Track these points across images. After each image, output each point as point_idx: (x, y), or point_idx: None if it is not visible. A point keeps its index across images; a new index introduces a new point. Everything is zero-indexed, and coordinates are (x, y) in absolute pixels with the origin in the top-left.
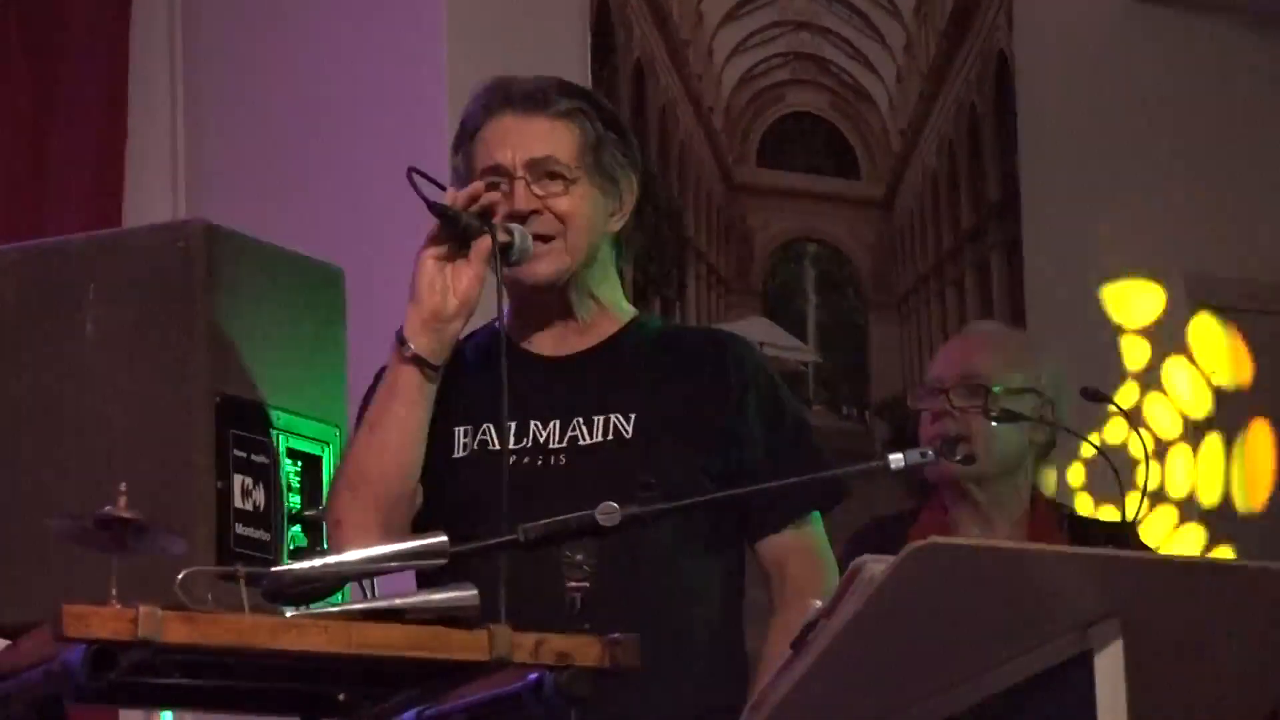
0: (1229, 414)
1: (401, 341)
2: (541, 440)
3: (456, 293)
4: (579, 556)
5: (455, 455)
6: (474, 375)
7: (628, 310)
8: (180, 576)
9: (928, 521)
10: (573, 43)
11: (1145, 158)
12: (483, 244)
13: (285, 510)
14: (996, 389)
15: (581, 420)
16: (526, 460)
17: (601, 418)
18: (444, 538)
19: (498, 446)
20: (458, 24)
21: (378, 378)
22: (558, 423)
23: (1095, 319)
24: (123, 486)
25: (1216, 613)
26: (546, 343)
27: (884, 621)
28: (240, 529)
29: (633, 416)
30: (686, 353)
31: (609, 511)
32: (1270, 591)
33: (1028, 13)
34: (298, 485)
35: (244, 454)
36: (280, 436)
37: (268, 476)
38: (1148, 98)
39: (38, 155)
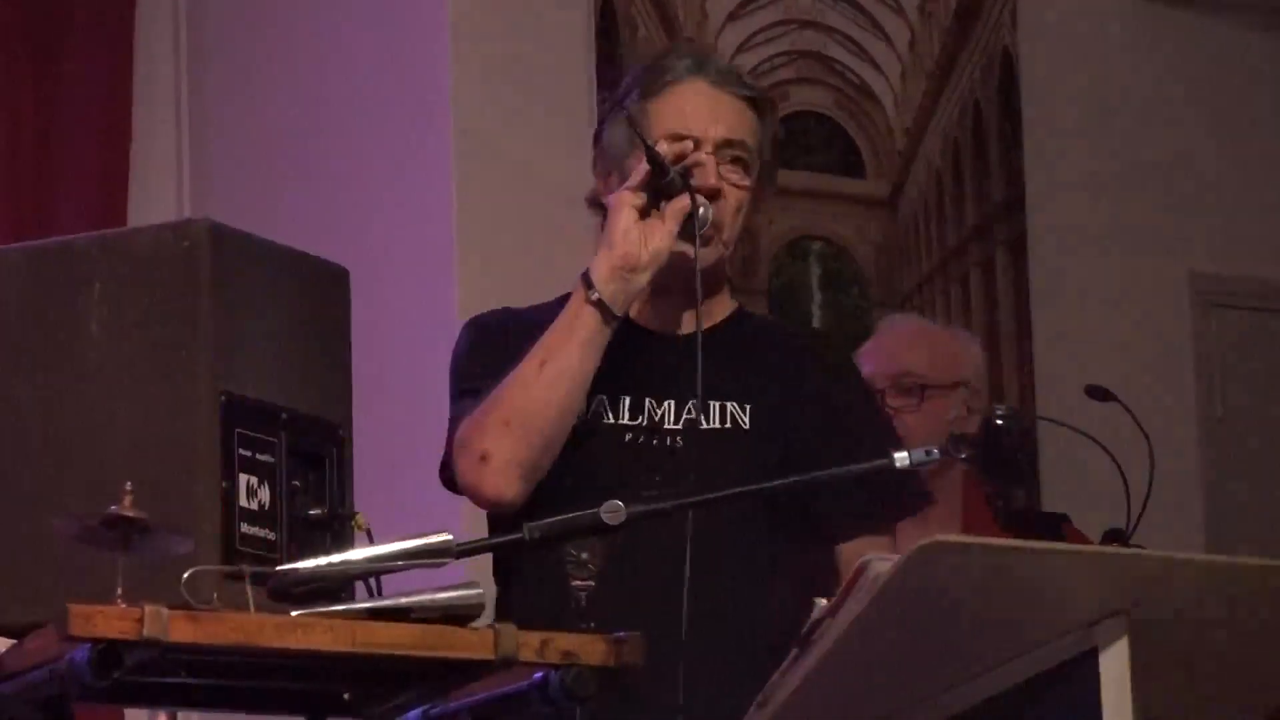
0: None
1: (588, 285)
2: (656, 419)
3: (649, 246)
4: (584, 555)
5: None
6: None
7: (732, 300)
8: (185, 576)
9: None
10: (577, 40)
11: (1150, 155)
12: (679, 204)
13: (290, 509)
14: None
15: (697, 404)
16: (641, 440)
17: (718, 404)
18: (449, 536)
19: (612, 419)
20: (462, 22)
21: (475, 329)
22: (672, 403)
23: (1100, 316)
24: (128, 486)
25: (1222, 611)
26: (664, 319)
27: (889, 620)
28: (245, 528)
29: (748, 408)
30: (795, 349)
31: (614, 510)
32: (1275, 588)
33: (1032, 10)
34: (302, 484)
35: (249, 453)
36: (286, 435)
37: (273, 475)
38: (1152, 95)
39: (42, 155)
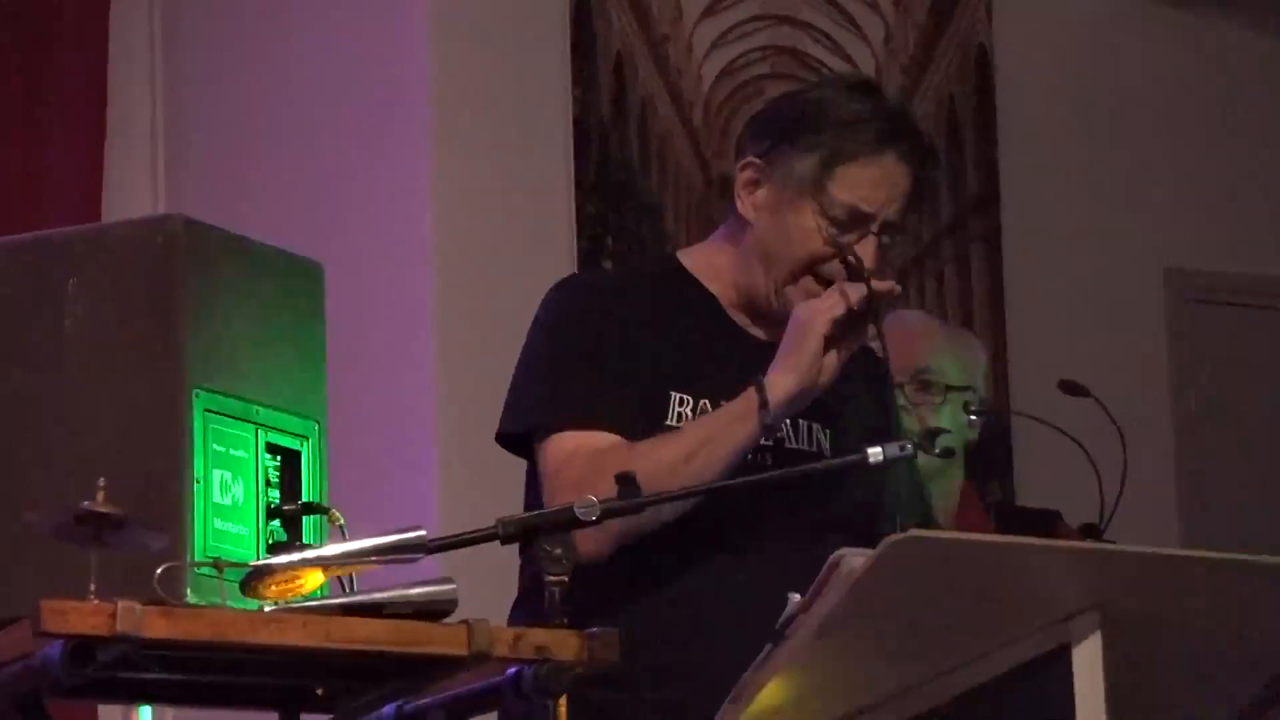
0: (1210, 407)
1: (764, 404)
2: (780, 437)
3: (826, 373)
4: (558, 551)
5: (668, 421)
6: (687, 333)
7: None
8: (159, 571)
9: None
10: (553, 36)
11: (1125, 150)
12: (865, 335)
13: (265, 504)
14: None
15: (789, 421)
16: None
17: (805, 423)
18: (423, 531)
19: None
20: (438, 16)
21: (566, 289)
22: (789, 421)
23: (1074, 312)
24: (101, 481)
25: (1195, 605)
26: (755, 320)
27: (863, 614)
28: (220, 523)
29: (829, 433)
30: (858, 364)
31: (588, 505)
32: (1249, 583)
33: (1007, 5)
34: (277, 480)
35: (223, 448)
36: (259, 431)
37: (247, 471)
38: (1128, 90)
39: (17, 150)
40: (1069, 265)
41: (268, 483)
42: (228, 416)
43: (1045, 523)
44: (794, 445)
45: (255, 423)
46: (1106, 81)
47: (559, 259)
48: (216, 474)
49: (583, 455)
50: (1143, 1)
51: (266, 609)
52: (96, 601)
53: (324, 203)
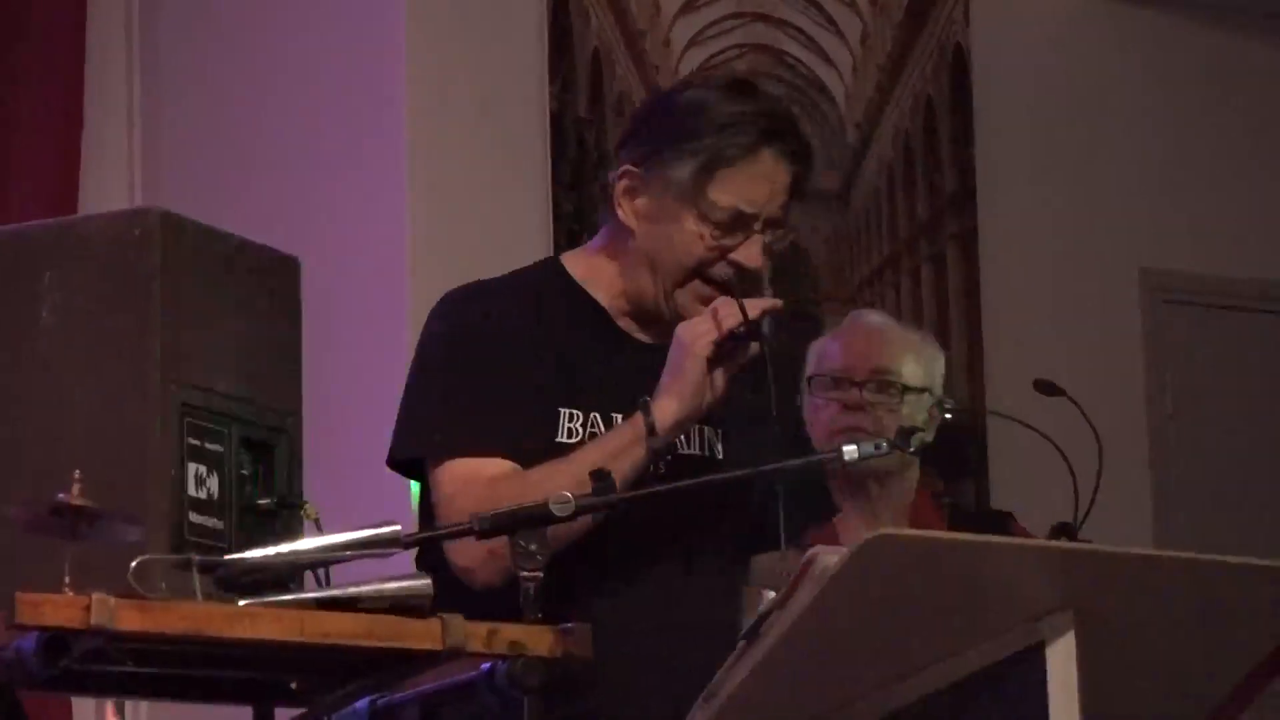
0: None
1: (651, 430)
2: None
3: (714, 393)
4: (532, 546)
5: (559, 439)
6: (575, 348)
7: None
8: (134, 565)
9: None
10: (530, 31)
11: (1101, 150)
12: (753, 351)
13: (239, 498)
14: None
15: (704, 429)
16: None
17: (696, 426)
18: (398, 526)
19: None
20: (416, 12)
21: (451, 305)
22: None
23: (1049, 311)
24: (77, 474)
25: (1168, 605)
26: (644, 326)
27: (837, 613)
28: (194, 517)
29: (720, 433)
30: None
31: (563, 501)
32: (1222, 583)
33: (985, 6)
34: (252, 474)
35: (198, 442)
36: (234, 425)
37: (222, 465)
38: (1104, 91)
39: None
40: (1045, 265)
41: (243, 477)
42: (203, 410)
43: (998, 524)
44: (687, 451)
45: (230, 416)
46: (1083, 82)
47: (536, 255)
48: (191, 468)
49: (477, 484)
50: (1119, 3)
51: (241, 603)
52: (71, 594)
53: (301, 198)
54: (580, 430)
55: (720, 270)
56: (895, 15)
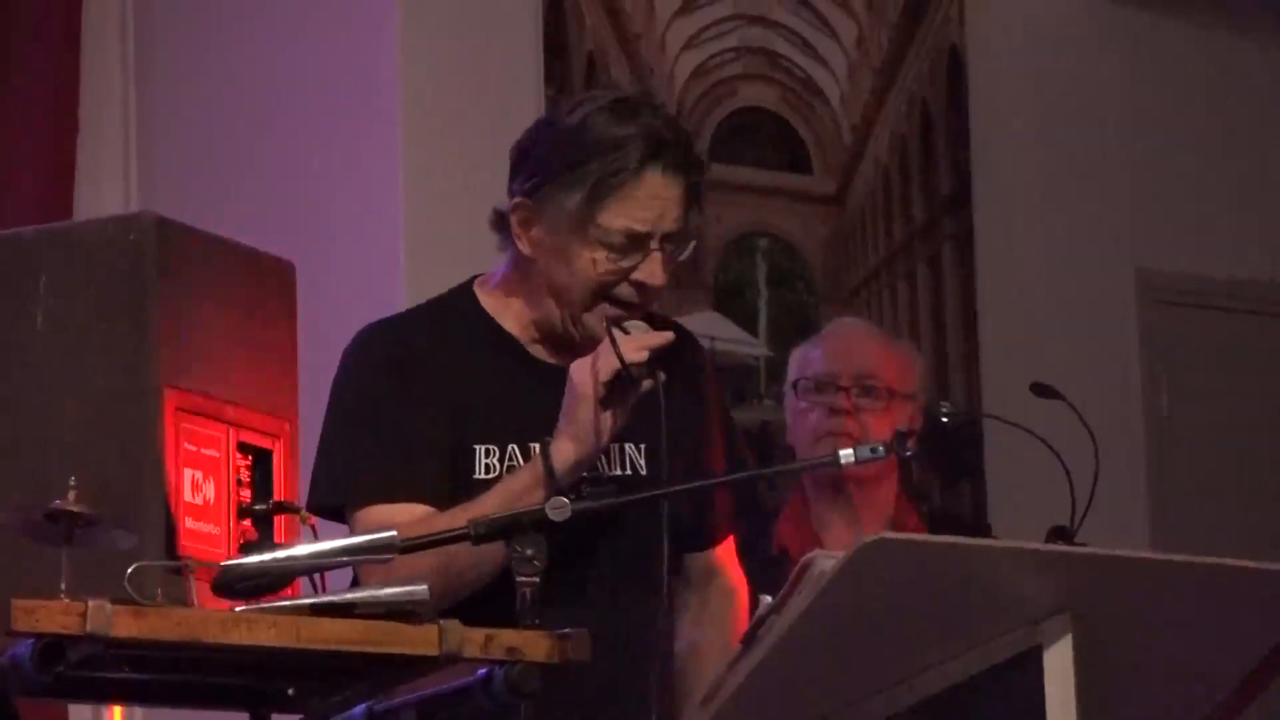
0: (1182, 410)
1: (549, 472)
2: (598, 463)
3: (606, 433)
4: (529, 551)
5: (477, 476)
6: (488, 382)
7: None
8: (129, 571)
9: (789, 521)
10: (525, 34)
11: (1096, 152)
12: (646, 387)
13: (235, 504)
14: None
15: (631, 446)
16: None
17: (617, 446)
18: (394, 532)
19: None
20: (410, 15)
21: (363, 345)
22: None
23: (1045, 313)
24: (72, 480)
25: (1165, 608)
26: (557, 351)
27: (834, 616)
28: (190, 523)
29: (643, 448)
30: (679, 369)
31: (559, 506)
32: (1219, 586)
33: (980, 7)
34: (248, 479)
35: (194, 447)
36: (231, 430)
37: (218, 470)
38: (1099, 92)
39: None
40: (1041, 267)
41: (239, 482)
42: (199, 415)
43: (976, 533)
44: (612, 474)
45: (226, 422)
46: (1078, 83)
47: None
48: (188, 473)
49: (399, 523)
50: (1114, 4)
51: (237, 609)
52: (67, 600)
53: (295, 202)
54: (498, 465)
55: (624, 291)
56: (890, 17)
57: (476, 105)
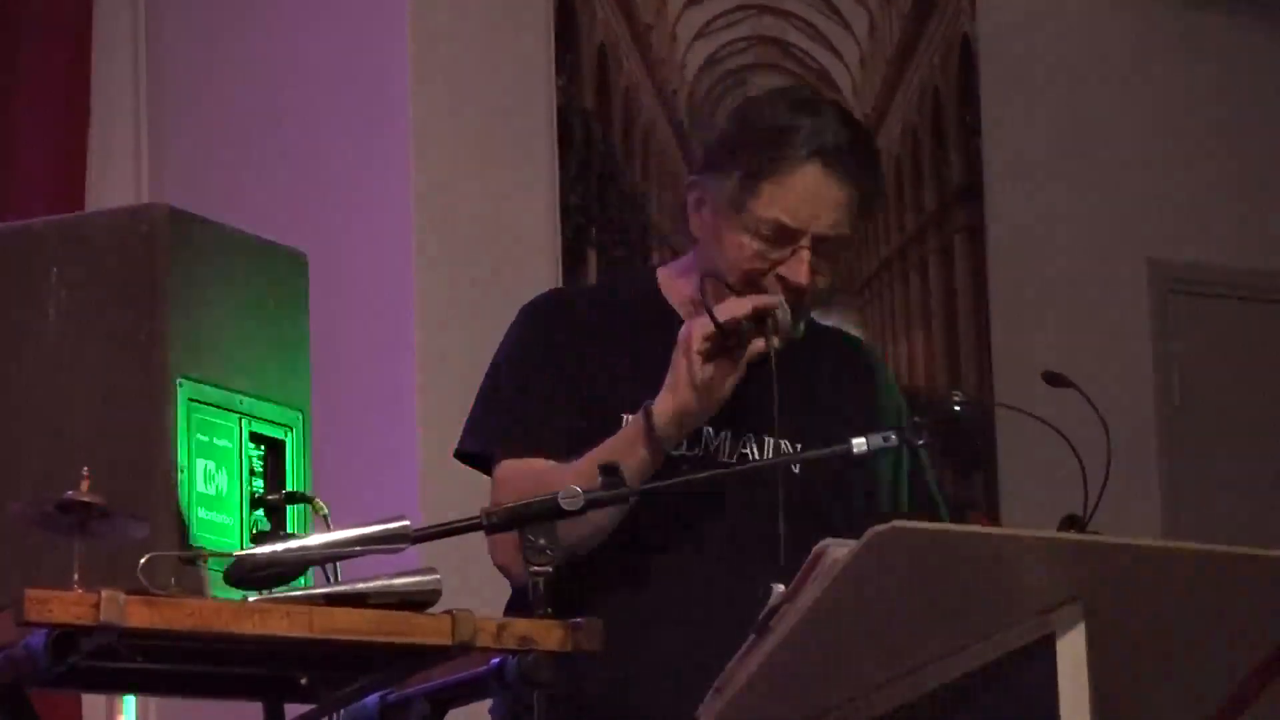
0: (1194, 399)
1: (650, 427)
2: (712, 450)
3: (717, 391)
4: (542, 541)
5: None
6: (641, 352)
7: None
8: (142, 561)
9: None
10: (536, 26)
11: (1108, 142)
12: (755, 348)
13: (248, 494)
14: None
15: (753, 437)
16: (694, 471)
17: (772, 441)
18: (407, 521)
19: (674, 451)
20: (421, 8)
21: (533, 311)
22: (729, 434)
23: (1058, 303)
24: (85, 471)
25: (1179, 597)
26: None
27: (847, 605)
28: (203, 513)
29: (799, 447)
30: (834, 363)
31: (572, 495)
32: (1232, 575)
33: None
34: (260, 469)
35: (206, 438)
36: (243, 420)
37: (231, 460)
38: (1111, 82)
39: (0, 138)
40: (1052, 256)
41: (251, 472)
42: (211, 406)
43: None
44: (686, 453)
45: (239, 412)
46: (1090, 73)
47: (542, 249)
48: (200, 463)
49: (522, 474)
50: None
51: (250, 599)
52: (80, 591)
53: (307, 193)
54: None
55: (770, 284)
56: (902, 7)
57: (487, 96)
